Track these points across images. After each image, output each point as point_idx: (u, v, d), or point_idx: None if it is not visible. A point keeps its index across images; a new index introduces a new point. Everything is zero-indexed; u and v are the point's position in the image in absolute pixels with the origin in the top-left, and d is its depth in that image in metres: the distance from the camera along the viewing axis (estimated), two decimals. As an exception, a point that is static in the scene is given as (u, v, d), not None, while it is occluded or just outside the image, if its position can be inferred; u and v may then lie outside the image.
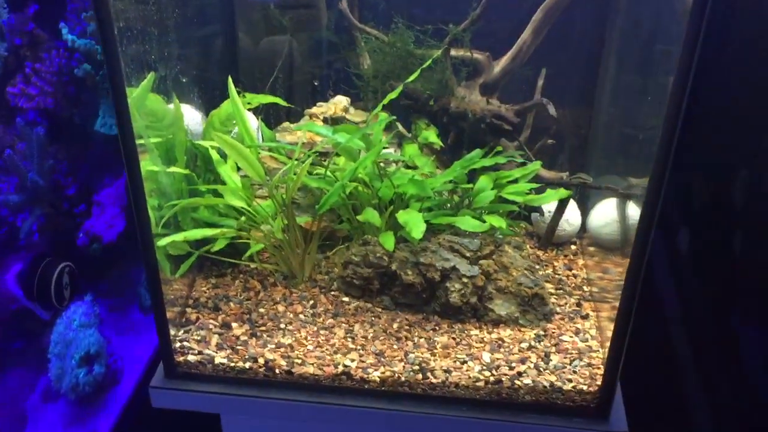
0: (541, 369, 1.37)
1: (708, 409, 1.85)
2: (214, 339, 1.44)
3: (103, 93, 1.75)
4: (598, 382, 1.34)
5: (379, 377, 1.37)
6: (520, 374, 1.36)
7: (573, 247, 1.72)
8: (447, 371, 1.37)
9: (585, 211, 1.69)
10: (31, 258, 1.63)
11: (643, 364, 1.46)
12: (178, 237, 1.33)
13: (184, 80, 1.46)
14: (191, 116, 1.51)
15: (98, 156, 1.84)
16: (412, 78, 1.45)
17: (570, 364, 1.39)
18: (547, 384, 1.34)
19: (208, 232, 1.37)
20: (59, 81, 1.69)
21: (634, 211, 1.58)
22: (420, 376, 1.36)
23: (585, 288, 1.59)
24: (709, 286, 1.89)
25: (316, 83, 1.58)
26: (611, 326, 1.42)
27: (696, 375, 1.91)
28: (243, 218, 1.44)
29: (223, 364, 1.40)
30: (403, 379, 1.36)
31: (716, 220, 1.85)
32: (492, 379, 1.35)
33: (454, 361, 1.39)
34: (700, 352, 1.88)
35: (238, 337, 1.45)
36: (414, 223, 1.38)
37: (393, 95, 1.45)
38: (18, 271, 1.62)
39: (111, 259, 1.88)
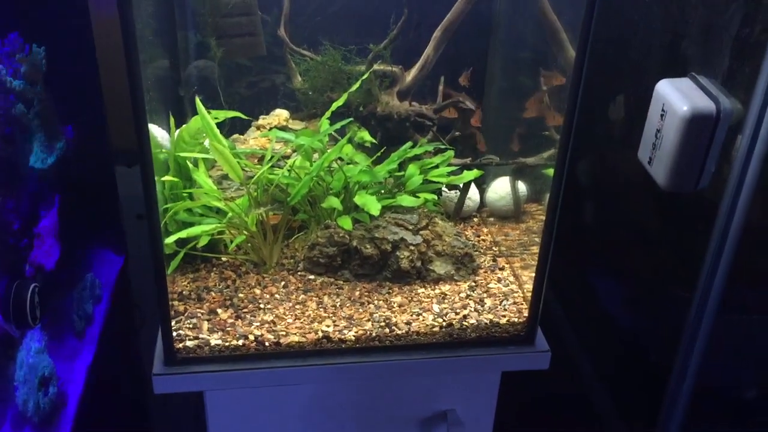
0: (480, 311, 1.72)
1: (574, 336, 2.31)
2: (205, 325, 1.65)
3: (35, 130, 1.85)
4: (525, 314, 1.72)
5: (354, 336, 1.65)
6: (465, 317, 1.70)
7: (475, 219, 2.09)
8: (408, 323, 1.68)
9: (482, 190, 2.08)
10: (6, 281, 1.71)
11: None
12: (182, 234, 1.53)
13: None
14: (160, 134, 1.70)
15: (34, 190, 1.93)
16: (353, 88, 1.75)
17: (500, 304, 1.75)
18: (487, 321, 1.70)
19: (206, 228, 1.57)
20: None
21: (522, 186, 1.99)
22: (387, 330, 1.66)
23: (494, 248, 1.97)
24: (569, 247, 2.36)
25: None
26: (523, 273, 1.82)
27: (564, 315, 2.37)
28: (230, 214, 1.66)
29: (218, 344, 1.61)
30: (374, 334, 1.65)
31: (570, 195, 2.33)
32: (444, 324, 1.68)
33: (411, 315, 1.70)
34: (566, 300, 2.34)
35: (225, 321, 1.66)
36: (370, 202, 1.68)
37: (339, 103, 1.75)
38: (-7, 295, 1.69)
39: (50, 288, 1.97)
